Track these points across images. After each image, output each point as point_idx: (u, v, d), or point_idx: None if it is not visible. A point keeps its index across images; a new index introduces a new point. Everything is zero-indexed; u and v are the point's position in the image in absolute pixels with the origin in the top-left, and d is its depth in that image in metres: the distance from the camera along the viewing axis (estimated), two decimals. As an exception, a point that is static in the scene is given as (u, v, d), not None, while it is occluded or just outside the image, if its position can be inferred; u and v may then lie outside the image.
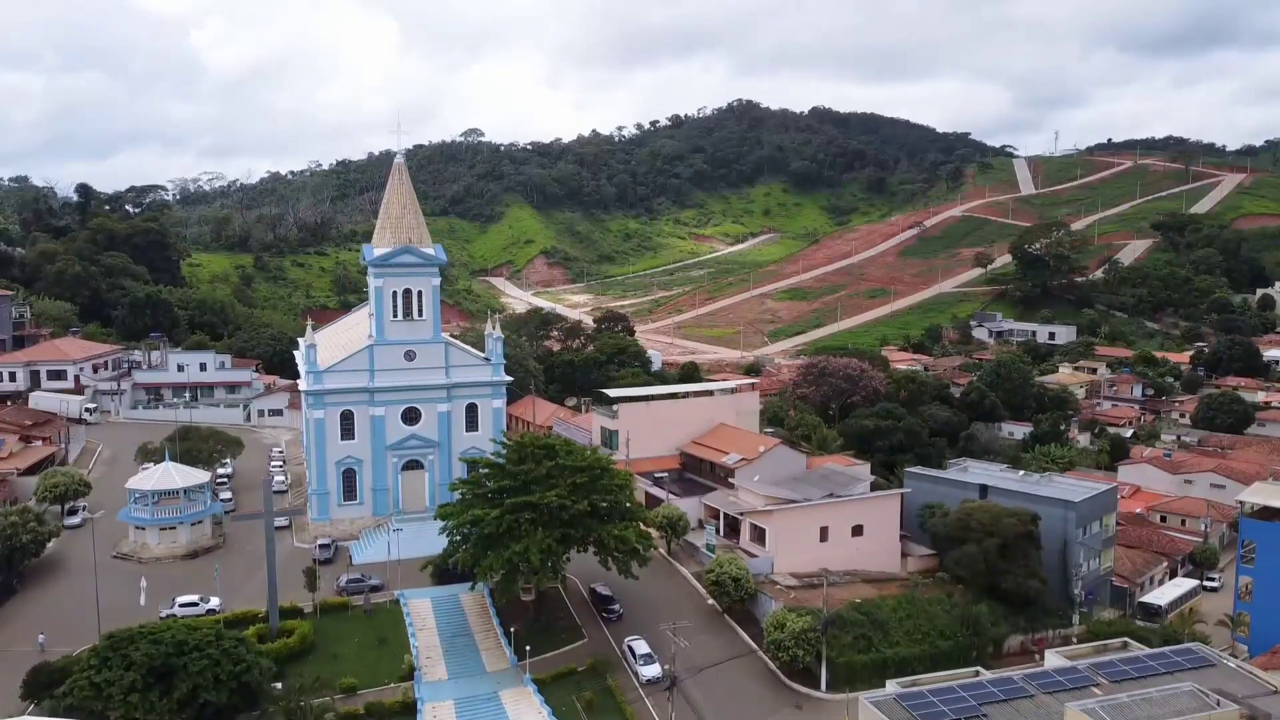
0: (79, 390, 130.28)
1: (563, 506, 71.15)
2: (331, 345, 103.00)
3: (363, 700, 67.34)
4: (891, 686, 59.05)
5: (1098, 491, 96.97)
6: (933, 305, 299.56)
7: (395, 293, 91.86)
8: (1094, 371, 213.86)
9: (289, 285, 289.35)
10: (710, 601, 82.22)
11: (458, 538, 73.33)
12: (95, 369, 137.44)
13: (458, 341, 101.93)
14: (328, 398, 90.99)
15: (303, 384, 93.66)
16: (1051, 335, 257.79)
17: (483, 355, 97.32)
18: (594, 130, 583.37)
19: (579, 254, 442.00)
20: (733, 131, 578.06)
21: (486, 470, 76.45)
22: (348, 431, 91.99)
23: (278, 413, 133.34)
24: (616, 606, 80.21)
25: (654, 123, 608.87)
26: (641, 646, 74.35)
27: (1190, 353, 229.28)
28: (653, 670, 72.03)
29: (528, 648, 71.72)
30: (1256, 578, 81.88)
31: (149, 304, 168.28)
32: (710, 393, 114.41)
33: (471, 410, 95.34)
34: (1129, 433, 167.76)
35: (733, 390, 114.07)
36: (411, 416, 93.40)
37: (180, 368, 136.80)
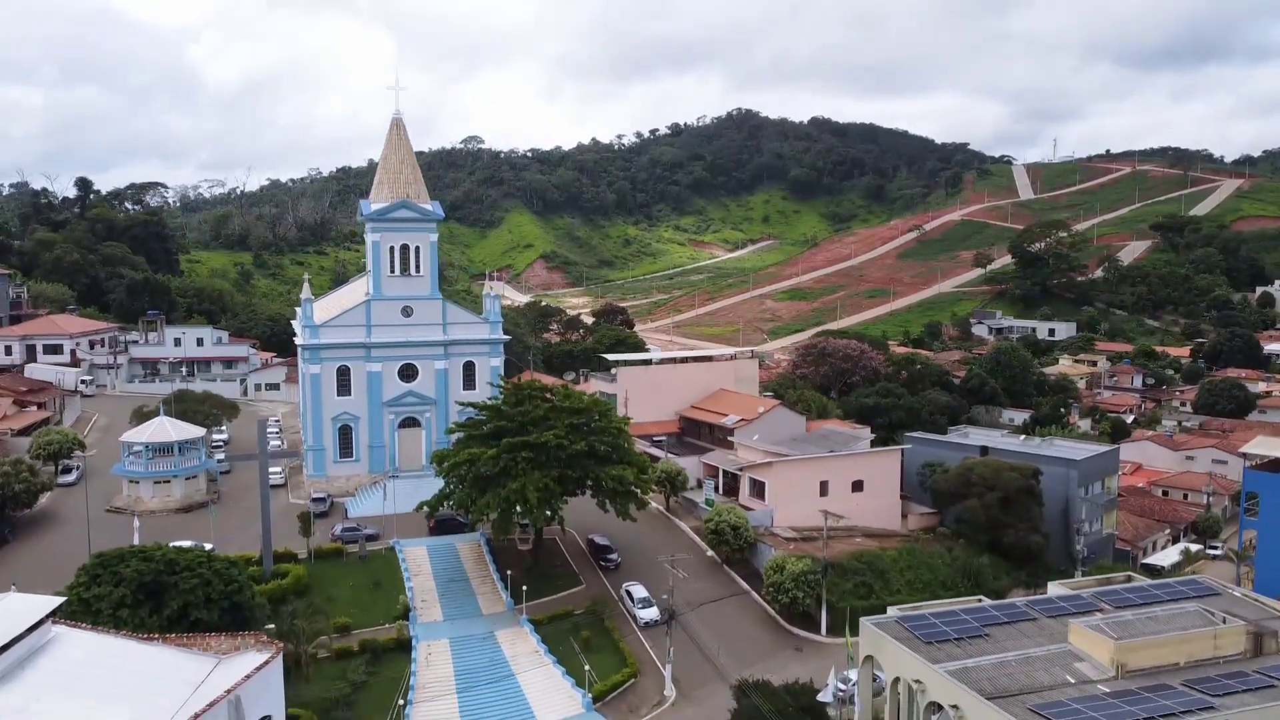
0: (75, 364, 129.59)
1: (560, 446, 70.49)
2: (329, 308, 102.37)
3: (357, 639, 66.48)
4: (893, 611, 58.19)
5: (1099, 452, 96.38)
6: (932, 304, 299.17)
7: (392, 248, 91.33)
8: (1094, 364, 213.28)
9: (288, 283, 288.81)
10: (710, 553, 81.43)
11: (453, 479, 72.57)
12: (92, 345, 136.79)
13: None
14: (324, 353, 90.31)
15: (300, 338, 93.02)
16: (1051, 332, 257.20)
17: (481, 316, 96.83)
18: (594, 138, 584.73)
19: (578, 259, 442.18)
20: (732, 140, 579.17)
21: (484, 414, 75.80)
22: (344, 387, 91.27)
23: (274, 387, 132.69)
24: (614, 555, 79.42)
25: (653, 131, 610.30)
26: (640, 590, 73.60)
27: (1190, 347, 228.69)
28: (651, 613, 71.24)
29: (524, 587, 70.89)
30: (1261, 529, 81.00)
31: (147, 287, 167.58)
32: (710, 359, 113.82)
33: (469, 369, 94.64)
34: (1130, 419, 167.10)
35: (732, 357, 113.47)
36: (409, 373, 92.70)
37: (177, 342, 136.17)
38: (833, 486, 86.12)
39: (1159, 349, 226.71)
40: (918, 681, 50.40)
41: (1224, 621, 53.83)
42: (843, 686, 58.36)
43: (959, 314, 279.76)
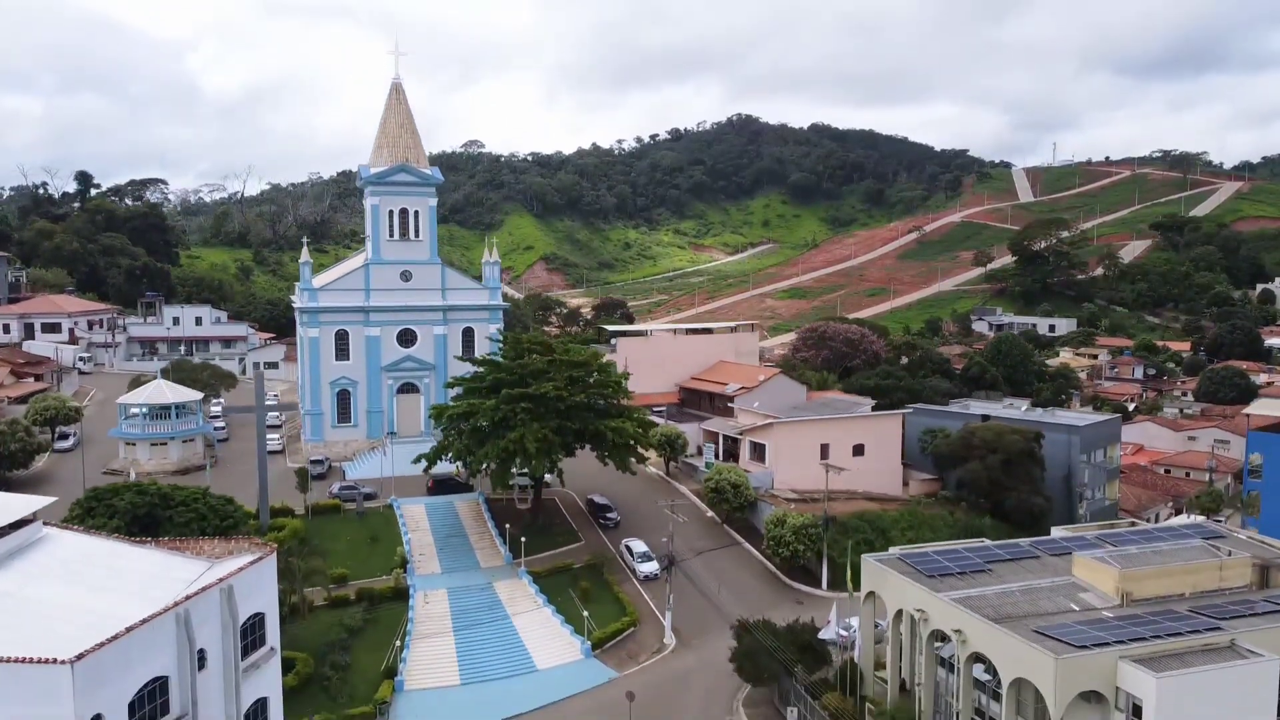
0: (74, 342, 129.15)
1: (559, 398, 70.01)
2: (328, 279, 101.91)
3: (354, 588, 65.89)
4: (894, 550, 57.65)
5: (1101, 419, 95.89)
6: (932, 302, 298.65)
7: (391, 212, 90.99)
8: (1094, 357, 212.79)
9: (288, 279, 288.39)
10: (710, 514, 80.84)
11: (452, 431, 72.08)
12: (90, 325, 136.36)
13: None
14: (322, 316, 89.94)
15: (298, 301, 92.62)
16: (1052, 328, 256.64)
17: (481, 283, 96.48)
18: (594, 143, 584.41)
19: (579, 260, 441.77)
20: (732, 145, 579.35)
21: (483, 368, 75.33)
22: (342, 352, 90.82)
23: (273, 365, 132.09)
24: (614, 514, 78.88)
25: (653, 136, 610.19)
26: (639, 545, 73.05)
27: (1191, 341, 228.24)
28: (650, 567, 70.67)
29: (523, 539, 70.32)
30: (1265, 490, 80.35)
31: (146, 273, 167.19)
32: (709, 330, 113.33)
33: (468, 335, 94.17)
34: (1131, 407, 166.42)
35: (733, 329, 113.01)
36: (407, 338, 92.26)
37: (176, 321, 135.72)
38: (834, 450, 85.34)
39: (1160, 343, 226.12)
40: (920, 611, 49.87)
41: (1229, 554, 53.35)
42: (844, 632, 57.78)
43: (959, 311, 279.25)
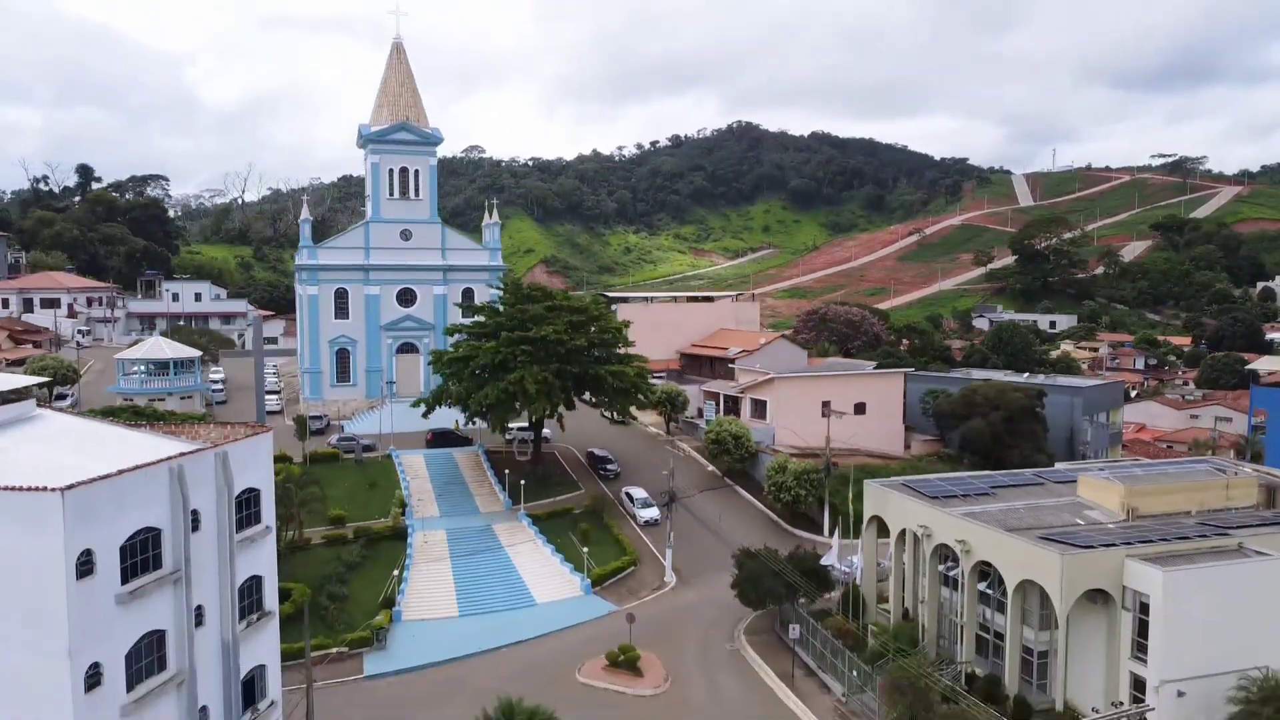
0: (72, 316, 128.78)
1: (559, 341, 69.60)
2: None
3: (351, 529, 65.37)
4: (896, 479, 57.18)
5: (1104, 383, 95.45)
6: (932, 301, 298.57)
7: (391, 170, 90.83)
8: (1095, 350, 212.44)
9: (288, 275, 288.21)
10: (710, 469, 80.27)
11: (451, 374, 71.63)
12: (90, 302, 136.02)
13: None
14: (322, 274, 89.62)
15: (298, 258, 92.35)
16: (1052, 324, 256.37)
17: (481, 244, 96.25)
18: (594, 150, 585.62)
19: (579, 264, 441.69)
20: (732, 151, 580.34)
21: (483, 314, 74.96)
22: (342, 310, 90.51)
23: (272, 340, 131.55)
24: (613, 465, 78.35)
25: (654, 143, 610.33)
26: (639, 492, 72.54)
27: (1192, 336, 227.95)
28: (651, 513, 70.16)
29: (522, 482, 69.84)
30: (1269, 445, 79.98)
31: (146, 255, 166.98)
32: (710, 299, 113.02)
33: (468, 295, 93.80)
34: (1134, 394, 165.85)
35: (734, 297, 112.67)
36: (407, 298, 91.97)
37: (175, 297, 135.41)
38: (834, 407, 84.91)
39: (1161, 338, 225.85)
40: (923, 527, 49.38)
41: (1235, 474, 52.84)
42: (845, 570, 57.24)
43: (960, 309, 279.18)
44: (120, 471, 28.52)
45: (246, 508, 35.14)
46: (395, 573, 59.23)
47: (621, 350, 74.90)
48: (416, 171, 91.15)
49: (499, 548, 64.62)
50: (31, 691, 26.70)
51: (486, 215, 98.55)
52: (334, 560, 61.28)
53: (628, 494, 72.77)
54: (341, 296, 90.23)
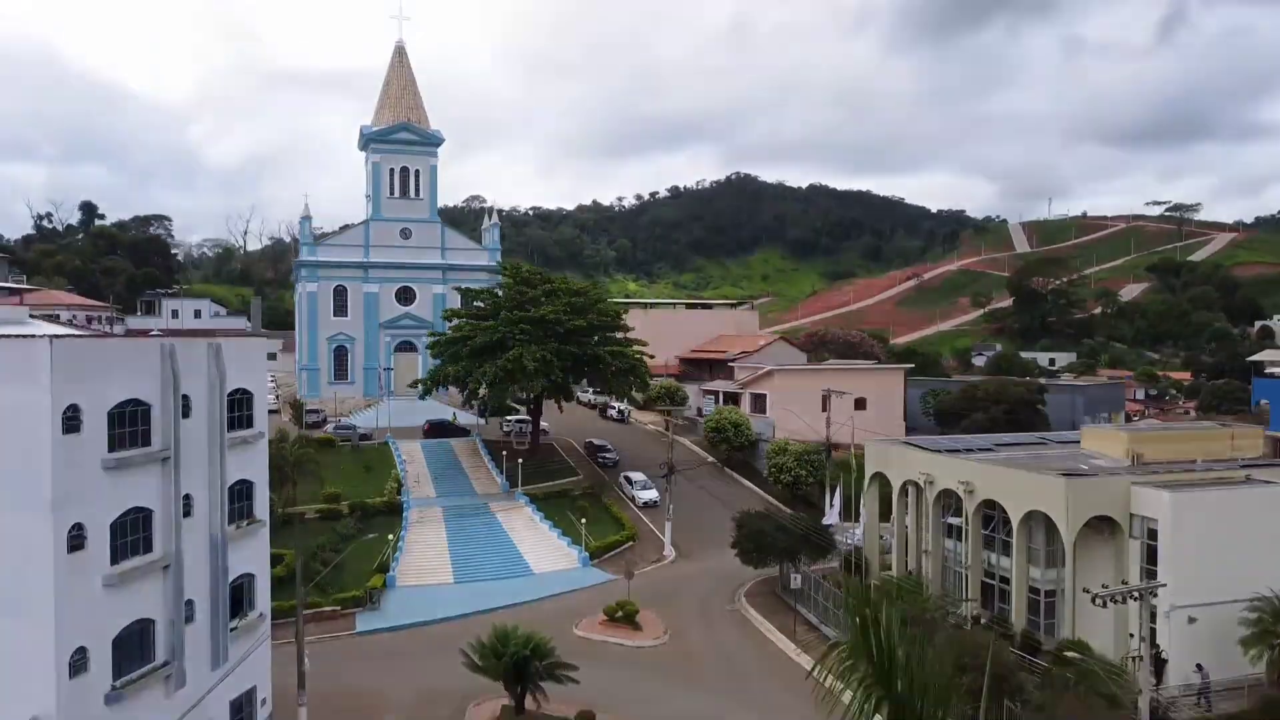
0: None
1: (558, 321, 69.37)
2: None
3: (346, 504, 64.46)
4: (898, 438, 56.55)
5: (1105, 384, 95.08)
6: (931, 342, 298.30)
7: (392, 170, 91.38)
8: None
9: (290, 312, 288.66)
10: (710, 459, 79.54)
11: (449, 355, 71.26)
12: (90, 320, 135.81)
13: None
14: (321, 270, 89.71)
15: (298, 255, 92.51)
16: (1051, 361, 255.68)
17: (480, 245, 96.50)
18: (594, 200, 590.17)
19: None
20: (730, 203, 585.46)
21: (481, 303, 74.78)
22: (340, 308, 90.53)
23: (272, 357, 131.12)
24: (611, 453, 77.72)
25: (653, 193, 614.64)
26: (638, 475, 71.86)
27: (1191, 371, 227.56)
28: (650, 494, 69.40)
29: (520, 461, 69.10)
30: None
31: (147, 282, 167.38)
32: (709, 306, 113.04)
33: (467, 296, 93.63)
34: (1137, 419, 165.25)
35: (734, 305, 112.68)
36: (406, 296, 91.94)
37: (174, 314, 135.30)
38: (834, 402, 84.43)
39: (1161, 374, 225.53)
40: (925, 474, 48.73)
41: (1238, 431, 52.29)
42: (846, 542, 56.47)
43: (958, 348, 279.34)
44: (108, 335, 28.23)
45: (238, 409, 34.59)
46: (390, 537, 58.29)
47: (621, 336, 74.65)
48: (417, 171, 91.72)
49: (496, 523, 63.79)
50: (14, 548, 26.02)
51: (486, 219, 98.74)
52: (328, 532, 60.43)
53: (626, 478, 72.05)
54: (340, 294, 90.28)
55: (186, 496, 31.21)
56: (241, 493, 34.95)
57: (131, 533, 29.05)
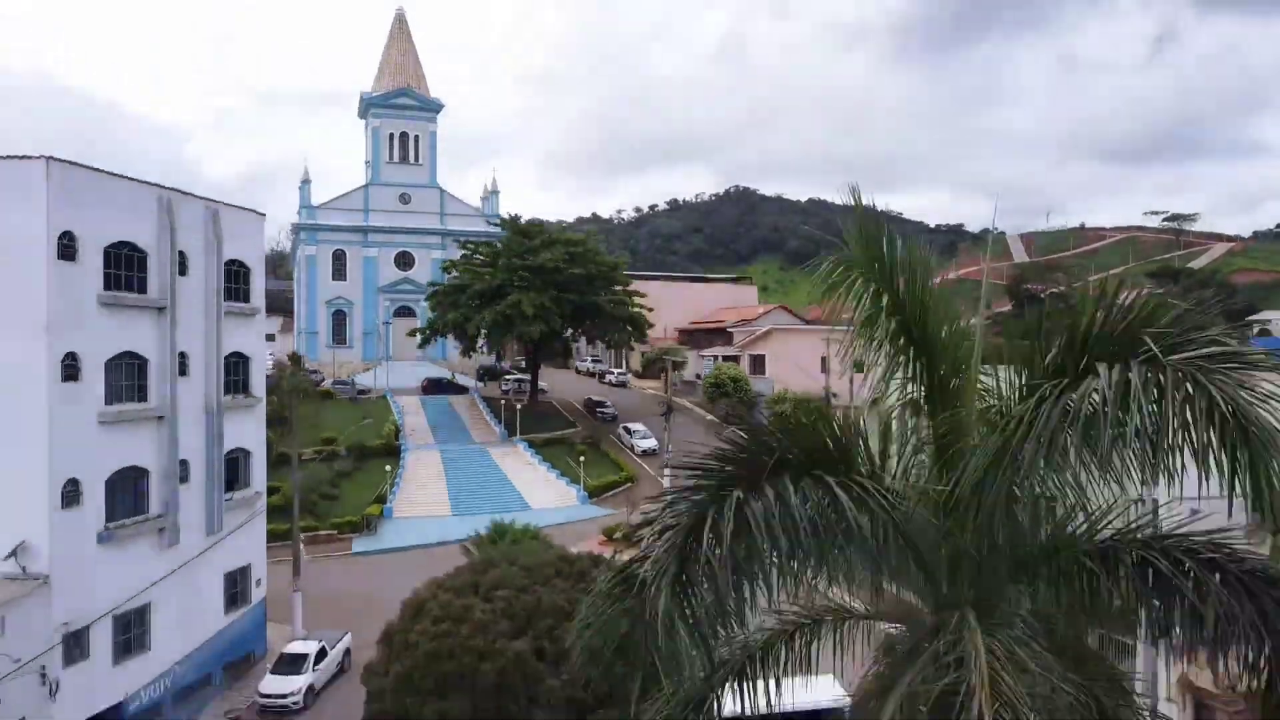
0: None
1: (557, 269, 69.22)
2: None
3: (343, 447, 64.15)
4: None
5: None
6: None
7: (391, 135, 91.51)
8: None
9: (289, 302, 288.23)
10: (710, 418, 79.17)
11: (448, 304, 71.08)
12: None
13: None
14: (320, 234, 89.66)
15: (297, 218, 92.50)
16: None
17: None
18: (594, 213, 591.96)
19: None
20: (729, 215, 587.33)
21: (481, 255, 74.65)
22: (339, 272, 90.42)
23: (270, 338, 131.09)
24: (610, 408, 77.38)
25: (653, 206, 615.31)
26: (637, 425, 71.46)
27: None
28: (648, 443, 68.95)
29: (519, 407, 68.85)
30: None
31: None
32: (707, 279, 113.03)
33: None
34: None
35: (733, 280, 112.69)
36: (405, 261, 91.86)
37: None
38: (834, 364, 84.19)
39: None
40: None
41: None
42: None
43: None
44: (103, 170, 28.07)
45: (235, 281, 34.43)
46: (388, 468, 58.01)
47: (619, 290, 74.52)
48: (417, 137, 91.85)
49: (493, 463, 63.48)
50: (9, 373, 25.76)
51: (485, 187, 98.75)
52: (326, 471, 60.07)
53: (625, 428, 71.71)
54: (339, 258, 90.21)
55: (182, 354, 30.99)
56: (238, 366, 34.76)
57: (126, 378, 28.83)
